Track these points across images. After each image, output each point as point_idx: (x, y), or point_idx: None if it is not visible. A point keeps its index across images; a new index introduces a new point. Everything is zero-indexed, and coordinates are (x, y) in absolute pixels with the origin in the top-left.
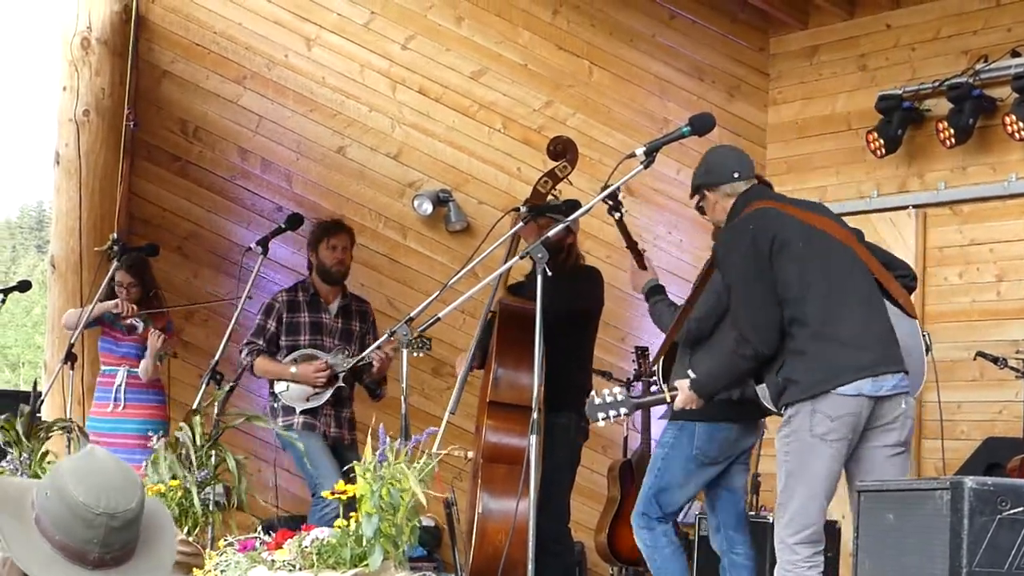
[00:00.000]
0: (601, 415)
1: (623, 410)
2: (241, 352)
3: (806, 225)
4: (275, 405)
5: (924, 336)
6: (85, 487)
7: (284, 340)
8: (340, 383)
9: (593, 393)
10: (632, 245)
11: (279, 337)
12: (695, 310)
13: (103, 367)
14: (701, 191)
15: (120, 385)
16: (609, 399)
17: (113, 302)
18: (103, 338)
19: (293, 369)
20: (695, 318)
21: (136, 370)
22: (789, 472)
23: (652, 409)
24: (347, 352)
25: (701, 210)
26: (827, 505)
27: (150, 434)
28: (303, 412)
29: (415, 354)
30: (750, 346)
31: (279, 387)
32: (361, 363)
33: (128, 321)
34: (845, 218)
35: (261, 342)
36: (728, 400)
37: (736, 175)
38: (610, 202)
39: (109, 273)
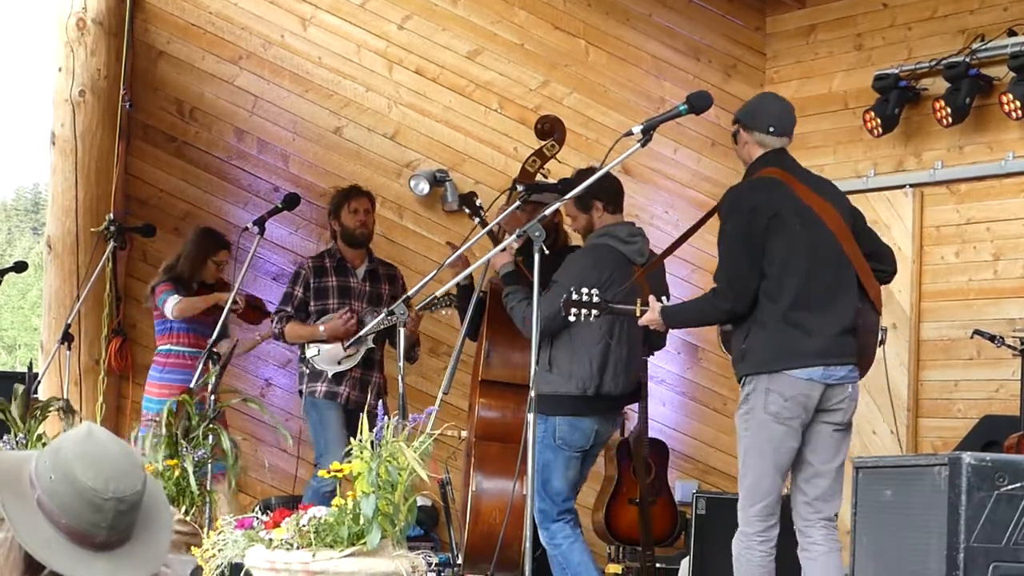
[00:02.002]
0: (573, 311)
1: (595, 311)
2: (272, 321)
3: (806, 208)
4: (304, 370)
5: (882, 331)
6: (94, 472)
7: (313, 305)
8: (371, 344)
9: (572, 288)
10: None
11: (308, 303)
12: (543, 304)
13: (187, 349)
14: (737, 127)
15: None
16: (585, 298)
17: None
18: (194, 321)
19: (321, 327)
20: (550, 316)
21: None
22: (746, 449)
23: (651, 391)
24: (376, 314)
25: (734, 138)
26: (781, 481)
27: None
28: (327, 380)
29: (444, 312)
30: (725, 301)
31: (310, 351)
32: (377, 329)
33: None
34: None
35: (290, 309)
36: (584, 396)
37: (771, 129)
38: (468, 209)
39: (108, 252)
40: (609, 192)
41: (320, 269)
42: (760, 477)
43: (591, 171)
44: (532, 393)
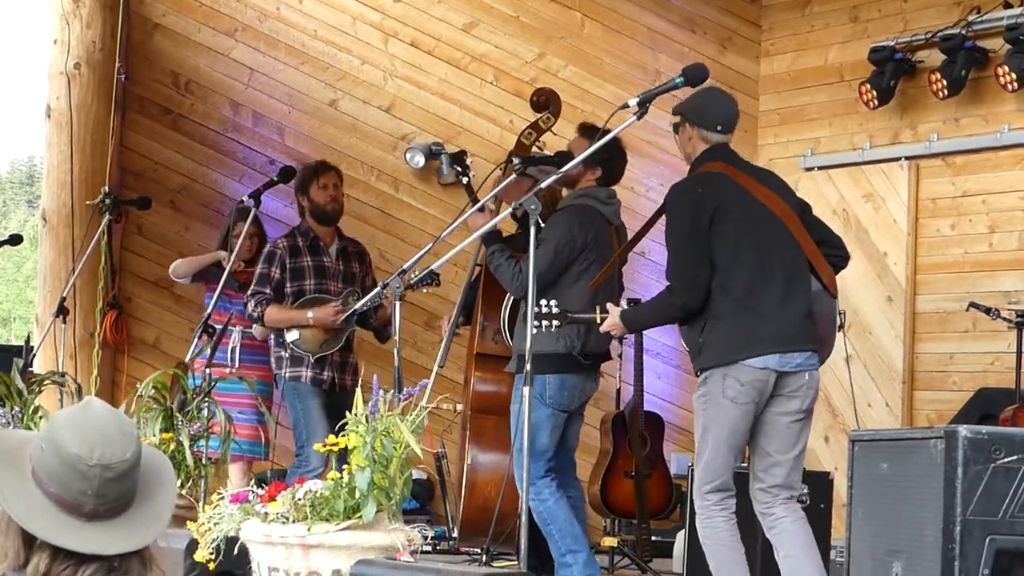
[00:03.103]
0: (534, 323)
1: (555, 322)
2: (247, 304)
3: (751, 198)
4: (283, 355)
5: (840, 315)
6: (79, 439)
7: (289, 286)
8: (354, 326)
9: (543, 302)
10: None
11: (284, 284)
12: (536, 265)
13: (215, 326)
14: (683, 122)
15: (236, 347)
16: (545, 310)
17: (223, 254)
18: (212, 295)
19: (310, 314)
20: (540, 272)
21: (250, 330)
22: (703, 428)
23: (646, 364)
24: (356, 294)
25: (675, 129)
26: (734, 460)
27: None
28: (310, 365)
29: (424, 289)
30: (678, 296)
31: (291, 336)
32: (374, 303)
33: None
34: (838, 171)
35: (268, 291)
36: (571, 355)
37: (719, 128)
38: (458, 167)
39: (104, 224)
40: (612, 165)
41: (294, 249)
42: (715, 456)
43: (595, 129)
44: (528, 366)
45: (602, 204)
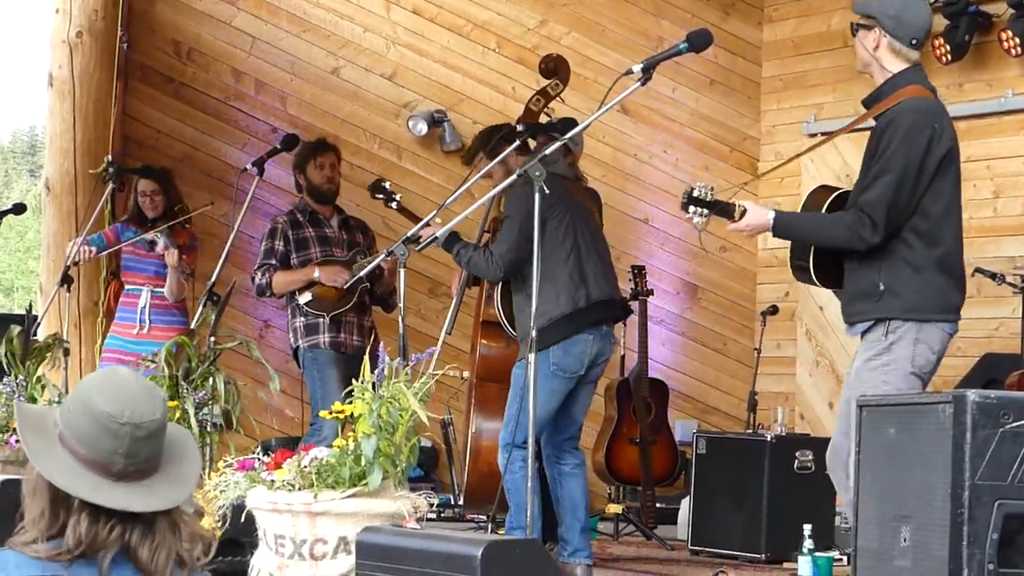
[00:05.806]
0: (691, 208)
1: (705, 211)
2: (254, 278)
3: (958, 146)
4: (298, 325)
5: None
6: (109, 398)
7: (295, 257)
8: (365, 282)
9: (697, 184)
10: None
11: (289, 256)
12: (500, 242)
13: (127, 286)
14: (874, 24)
15: (144, 306)
16: (704, 195)
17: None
18: (127, 256)
19: (316, 272)
20: (510, 248)
21: (161, 290)
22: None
23: (650, 331)
24: (364, 253)
25: (854, 31)
26: None
27: None
28: (327, 330)
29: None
30: (876, 234)
31: (303, 298)
32: (376, 268)
33: (149, 236)
34: (841, 136)
35: (273, 261)
36: (576, 311)
37: (914, 42)
38: (380, 196)
39: (107, 193)
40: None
41: (295, 223)
42: None
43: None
44: (533, 333)
45: (549, 166)
